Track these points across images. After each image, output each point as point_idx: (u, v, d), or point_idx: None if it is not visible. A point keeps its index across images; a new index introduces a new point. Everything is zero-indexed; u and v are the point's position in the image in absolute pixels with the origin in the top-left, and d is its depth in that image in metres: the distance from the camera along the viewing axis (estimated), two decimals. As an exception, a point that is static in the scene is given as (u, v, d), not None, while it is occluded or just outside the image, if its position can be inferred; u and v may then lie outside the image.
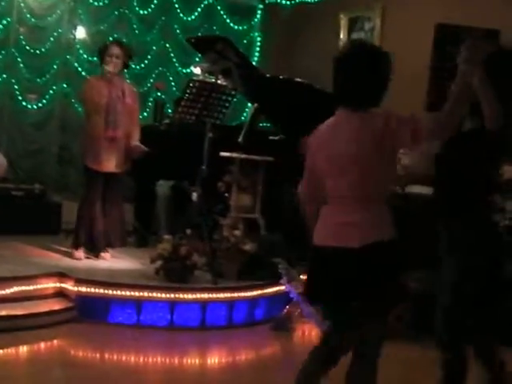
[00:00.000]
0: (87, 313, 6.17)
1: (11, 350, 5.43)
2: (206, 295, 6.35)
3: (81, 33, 9.78)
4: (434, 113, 3.39)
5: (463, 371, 4.26)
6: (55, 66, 9.56)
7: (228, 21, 10.44)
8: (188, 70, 10.06)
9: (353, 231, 3.44)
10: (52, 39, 9.52)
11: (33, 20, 9.38)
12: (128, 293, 6.22)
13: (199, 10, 10.44)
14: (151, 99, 9.93)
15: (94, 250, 7.32)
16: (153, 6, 10.21)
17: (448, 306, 4.19)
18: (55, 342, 5.81)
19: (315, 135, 3.68)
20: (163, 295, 6.25)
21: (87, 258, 7.26)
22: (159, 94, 9.64)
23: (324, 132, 3.63)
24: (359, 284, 3.42)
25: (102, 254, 7.28)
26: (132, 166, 7.33)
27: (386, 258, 3.45)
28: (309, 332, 6.50)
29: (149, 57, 10.26)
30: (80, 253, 7.24)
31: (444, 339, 4.21)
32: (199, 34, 9.96)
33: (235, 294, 6.48)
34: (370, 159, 3.44)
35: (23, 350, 5.51)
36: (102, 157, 7.09)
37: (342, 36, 9.17)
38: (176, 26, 10.33)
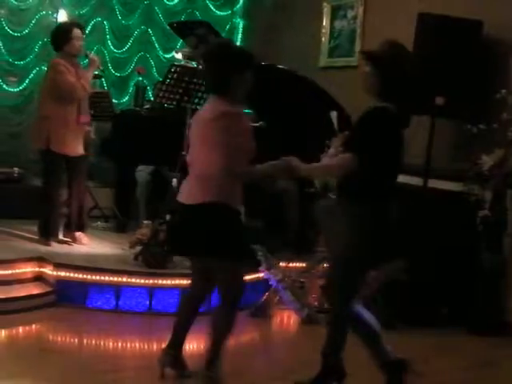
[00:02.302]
0: (66, 297, 6.16)
1: (-11, 335, 5.42)
2: (184, 281, 6.32)
3: (62, 16, 9.70)
4: None
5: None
6: (36, 49, 9.50)
7: (210, 6, 10.40)
8: (170, 55, 10.02)
9: None
10: (33, 22, 9.46)
11: (14, 2, 9.31)
12: (107, 278, 6.23)
13: (181, -6, 10.39)
14: (132, 83, 9.90)
15: (53, 235, 7.17)
16: (135, -10, 10.15)
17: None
18: (33, 326, 5.82)
19: None
20: (142, 281, 6.26)
21: (65, 243, 7.19)
22: (140, 78, 9.60)
23: None
24: None
25: (83, 241, 7.23)
26: (113, 151, 7.28)
27: None
28: (287, 319, 6.53)
29: (130, 41, 10.21)
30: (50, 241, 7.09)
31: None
32: (181, 19, 9.93)
33: (214, 281, 6.48)
34: None
35: (1, 334, 5.50)
36: (72, 142, 6.99)
37: (324, 24, 9.15)
38: (158, 11, 10.29)
